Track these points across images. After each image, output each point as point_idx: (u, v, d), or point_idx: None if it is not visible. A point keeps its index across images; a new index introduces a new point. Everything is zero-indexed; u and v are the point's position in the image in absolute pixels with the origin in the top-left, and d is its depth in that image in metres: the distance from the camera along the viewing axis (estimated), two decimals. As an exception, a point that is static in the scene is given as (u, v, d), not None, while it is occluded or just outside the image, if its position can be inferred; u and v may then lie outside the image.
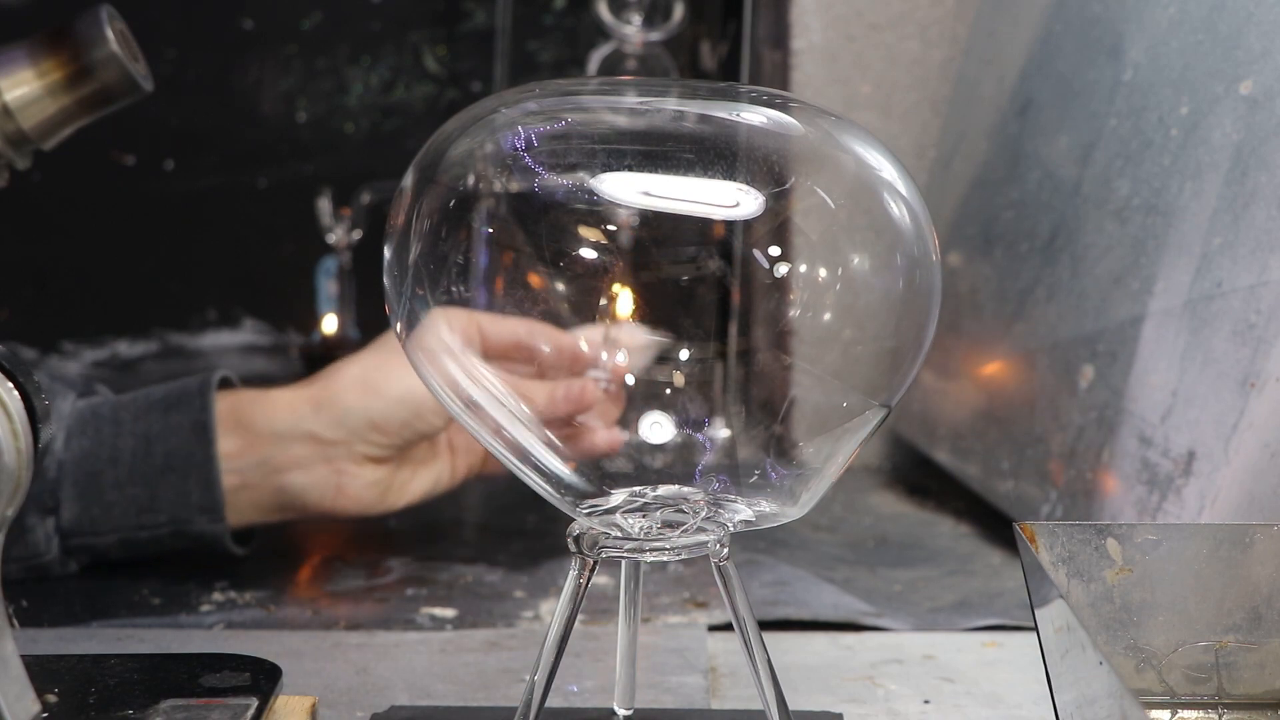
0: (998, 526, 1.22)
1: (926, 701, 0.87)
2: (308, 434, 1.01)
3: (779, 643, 0.96)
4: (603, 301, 0.68)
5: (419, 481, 1.07)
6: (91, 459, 0.98)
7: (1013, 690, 0.88)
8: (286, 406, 1.02)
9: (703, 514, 0.70)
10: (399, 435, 1.02)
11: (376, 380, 1.01)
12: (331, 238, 1.58)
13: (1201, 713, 0.78)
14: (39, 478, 0.96)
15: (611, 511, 0.70)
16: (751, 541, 1.19)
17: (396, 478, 1.06)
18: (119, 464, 0.97)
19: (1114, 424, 1.06)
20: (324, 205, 1.57)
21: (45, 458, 0.95)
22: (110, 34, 0.61)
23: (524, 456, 0.70)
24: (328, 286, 1.61)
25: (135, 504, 0.98)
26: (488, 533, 1.23)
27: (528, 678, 0.72)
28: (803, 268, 0.68)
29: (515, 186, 0.68)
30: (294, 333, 1.76)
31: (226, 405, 1.02)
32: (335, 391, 1.01)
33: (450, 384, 0.70)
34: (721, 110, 0.69)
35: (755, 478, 0.70)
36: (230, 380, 1.07)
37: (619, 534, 0.69)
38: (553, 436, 0.72)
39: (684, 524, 0.70)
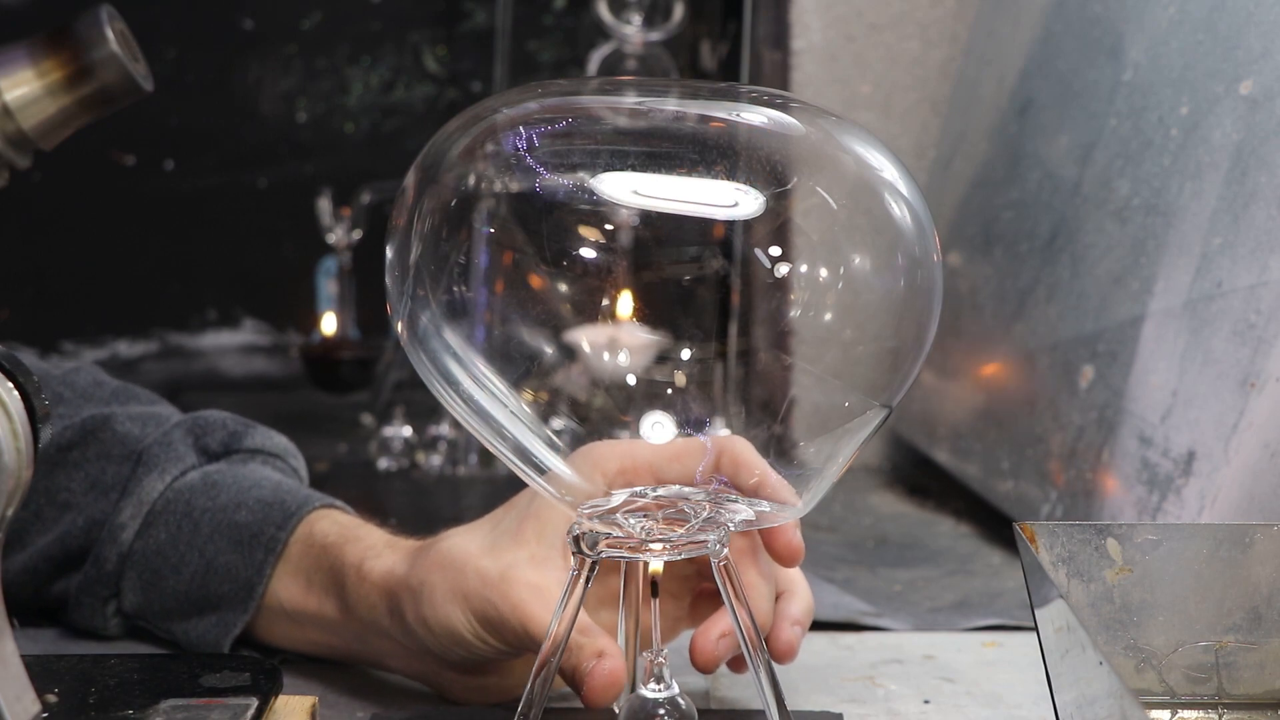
0: (998, 526, 1.22)
1: (926, 701, 0.87)
2: (386, 632, 0.83)
3: (779, 643, 0.96)
4: (604, 301, 0.68)
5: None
6: (159, 557, 0.89)
7: (1013, 690, 0.88)
8: (373, 589, 0.82)
9: (704, 514, 0.70)
10: (472, 653, 0.80)
11: (435, 593, 0.79)
12: (331, 238, 1.58)
13: (1201, 713, 0.78)
14: (96, 565, 0.92)
15: (612, 511, 0.70)
16: (751, 541, 1.19)
17: (506, 681, 0.83)
18: (180, 574, 0.88)
19: (1114, 424, 1.06)
20: (324, 205, 1.57)
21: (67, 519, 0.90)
22: (110, 34, 0.61)
23: (525, 456, 0.70)
24: (328, 286, 1.61)
25: (184, 614, 0.89)
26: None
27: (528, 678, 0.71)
28: (803, 268, 0.68)
29: (516, 187, 0.68)
30: (294, 333, 1.76)
31: (322, 557, 0.86)
32: (414, 589, 0.80)
33: (450, 383, 0.69)
34: (722, 110, 0.69)
35: (756, 478, 0.70)
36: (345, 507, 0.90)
37: (619, 534, 0.69)
38: (553, 436, 0.72)
39: (685, 524, 0.70)
